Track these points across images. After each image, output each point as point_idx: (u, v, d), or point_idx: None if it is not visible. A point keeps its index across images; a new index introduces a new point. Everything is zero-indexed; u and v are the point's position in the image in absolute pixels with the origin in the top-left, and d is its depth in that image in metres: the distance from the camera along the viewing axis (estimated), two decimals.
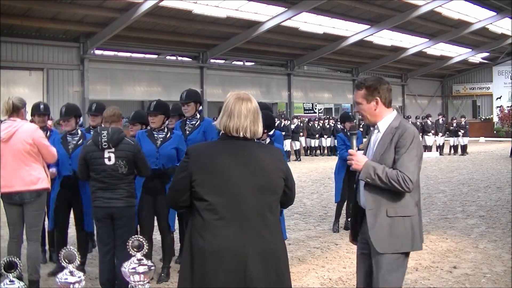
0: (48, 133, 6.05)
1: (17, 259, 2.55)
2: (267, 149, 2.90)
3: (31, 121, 5.67)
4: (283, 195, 2.78)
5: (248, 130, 2.72)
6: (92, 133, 5.77)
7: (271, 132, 5.39)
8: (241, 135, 2.71)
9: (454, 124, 22.86)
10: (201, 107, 5.97)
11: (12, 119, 4.89)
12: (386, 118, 3.36)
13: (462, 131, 22.60)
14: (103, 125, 4.89)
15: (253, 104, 2.77)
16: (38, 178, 4.92)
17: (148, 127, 5.61)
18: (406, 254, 3.35)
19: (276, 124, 20.91)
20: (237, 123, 2.71)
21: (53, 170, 5.55)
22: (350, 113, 9.20)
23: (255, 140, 2.85)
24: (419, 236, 3.32)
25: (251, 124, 2.73)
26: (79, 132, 5.74)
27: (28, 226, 4.96)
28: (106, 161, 4.55)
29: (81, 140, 5.61)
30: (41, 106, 5.97)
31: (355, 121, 9.70)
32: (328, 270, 5.77)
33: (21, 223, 4.97)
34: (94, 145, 4.58)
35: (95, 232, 5.24)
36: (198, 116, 5.83)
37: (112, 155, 4.56)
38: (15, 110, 4.89)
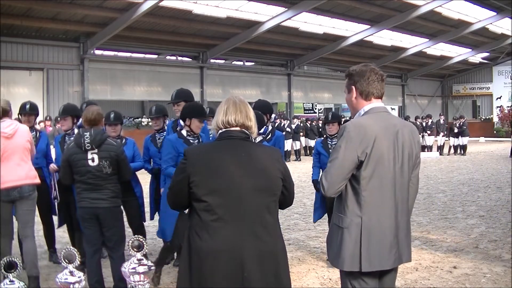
0: (38, 134, 5.99)
1: (17, 259, 2.56)
2: (265, 149, 2.89)
3: (17, 120, 5.66)
4: (281, 195, 2.77)
5: (241, 123, 2.73)
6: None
7: (262, 131, 5.37)
8: (234, 124, 2.72)
9: (458, 125, 22.82)
10: None
11: (8, 120, 4.97)
12: (358, 113, 2.99)
13: (458, 130, 22.61)
14: (80, 127, 4.92)
15: (245, 103, 2.80)
16: (35, 174, 5.11)
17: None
18: (349, 274, 2.86)
19: (276, 125, 20.89)
20: (228, 116, 2.73)
21: (53, 165, 5.74)
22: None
23: (253, 140, 2.85)
24: (352, 255, 2.81)
25: (245, 119, 2.75)
26: (76, 132, 5.75)
27: (23, 223, 5.03)
28: (90, 162, 4.55)
29: None
30: (27, 106, 5.88)
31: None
32: (328, 270, 5.76)
33: (12, 220, 5.04)
34: (77, 147, 4.58)
35: None
36: None
37: (96, 156, 4.56)
38: (5, 113, 4.98)
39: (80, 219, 4.77)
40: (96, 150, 4.55)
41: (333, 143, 5.89)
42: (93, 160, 4.54)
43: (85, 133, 4.57)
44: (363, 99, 2.97)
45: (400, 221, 2.90)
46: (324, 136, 6.36)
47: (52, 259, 6.17)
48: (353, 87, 2.98)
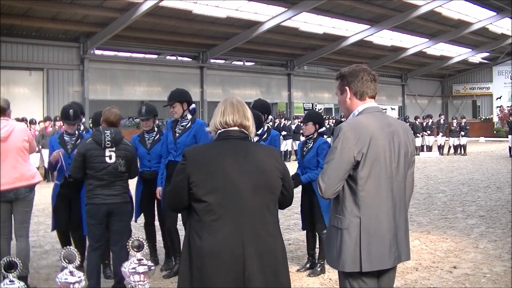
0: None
1: (17, 259, 2.56)
2: (264, 148, 2.90)
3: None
4: (281, 195, 2.77)
5: (239, 123, 2.74)
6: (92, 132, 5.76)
7: (259, 132, 5.37)
8: (232, 124, 2.73)
9: (455, 124, 22.85)
10: (192, 106, 5.57)
11: (4, 118, 4.96)
12: (352, 113, 2.99)
13: (463, 132, 22.59)
14: (102, 126, 4.94)
15: (242, 103, 2.81)
16: (35, 173, 5.13)
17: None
18: (349, 275, 2.85)
19: (275, 125, 20.82)
20: (226, 117, 2.74)
21: (57, 151, 5.47)
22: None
23: (252, 140, 2.85)
24: (353, 255, 2.79)
25: (243, 119, 2.76)
26: (76, 132, 5.75)
27: (18, 223, 5.06)
28: (107, 159, 4.73)
29: (79, 140, 5.66)
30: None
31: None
32: (328, 270, 5.75)
33: (10, 220, 5.06)
34: (95, 143, 4.73)
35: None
36: (189, 117, 5.47)
37: (113, 154, 4.75)
38: (2, 111, 4.97)
39: (88, 216, 4.83)
40: (114, 148, 4.75)
41: (307, 145, 5.90)
42: (110, 157, 4.73)
43: (105, 131, 4.74)
44: (358, 99, 2.97)
45: (398, 220, 2.90)
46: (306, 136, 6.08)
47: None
48: (347, 88, 2.98)
